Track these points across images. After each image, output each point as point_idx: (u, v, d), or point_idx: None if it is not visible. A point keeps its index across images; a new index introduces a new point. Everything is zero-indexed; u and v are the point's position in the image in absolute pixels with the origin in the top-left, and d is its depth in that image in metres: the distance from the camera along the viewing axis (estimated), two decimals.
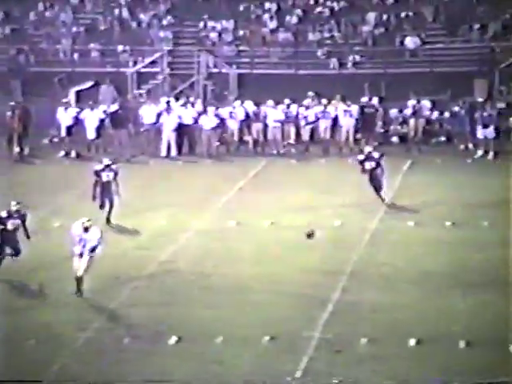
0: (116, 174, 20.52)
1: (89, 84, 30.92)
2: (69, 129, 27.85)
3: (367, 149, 22.07)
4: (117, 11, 33.41)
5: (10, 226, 17.17)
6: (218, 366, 13.85)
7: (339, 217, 20.65)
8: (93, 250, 16.35)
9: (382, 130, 28.15)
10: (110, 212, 20.44)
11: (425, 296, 16.17)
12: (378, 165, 21.41)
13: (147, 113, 28.07)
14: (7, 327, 15.19)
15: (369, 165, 21.45)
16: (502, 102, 28.46)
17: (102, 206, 20.39)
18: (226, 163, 26.97)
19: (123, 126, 27.60)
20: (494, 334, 14.34)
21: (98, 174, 20.50)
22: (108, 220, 20.42)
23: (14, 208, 17.27)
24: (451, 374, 13.12)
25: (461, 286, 16.47)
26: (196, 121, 27.78)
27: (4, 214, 17.19)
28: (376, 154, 21.64)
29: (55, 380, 13.52)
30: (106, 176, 20.42)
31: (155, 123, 27.81)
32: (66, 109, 28.02)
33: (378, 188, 21.39)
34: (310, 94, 28.53)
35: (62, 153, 27.72)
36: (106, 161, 20.74)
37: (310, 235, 17.12)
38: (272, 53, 31.74)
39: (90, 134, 27.70)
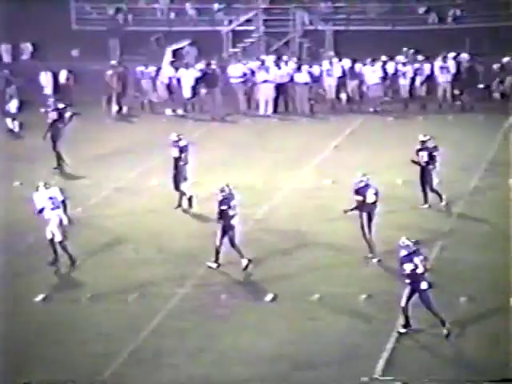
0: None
1: (185, 43, 31.03)
2: (167, 87, 28.13)
3: (421, 137, 18.61)
4: None
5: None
6: (314, 323, 13.91)
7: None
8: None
9: (483, 86, 27.44)
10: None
11: None
12: (431, 157, 18.33)
13: (234, 71, 28.02)
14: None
15: (421, 156, 18.46)
16: None
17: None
18: (321, 121, 26.79)
19: (215, 85, 27.64)
20: None
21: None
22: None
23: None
24: None
25: None
26: (291, 79, 27.65)
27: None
28: (431, 144, 18.36)
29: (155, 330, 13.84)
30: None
31: (244, 82, 27.77)
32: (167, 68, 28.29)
33: (430, 187, 18.50)
34: (405, 49, 28.09)
35: (169, 111, 27.83)
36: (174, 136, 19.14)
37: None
38: (369, 8, 31.24)
39: (186, 92, 27.89)
